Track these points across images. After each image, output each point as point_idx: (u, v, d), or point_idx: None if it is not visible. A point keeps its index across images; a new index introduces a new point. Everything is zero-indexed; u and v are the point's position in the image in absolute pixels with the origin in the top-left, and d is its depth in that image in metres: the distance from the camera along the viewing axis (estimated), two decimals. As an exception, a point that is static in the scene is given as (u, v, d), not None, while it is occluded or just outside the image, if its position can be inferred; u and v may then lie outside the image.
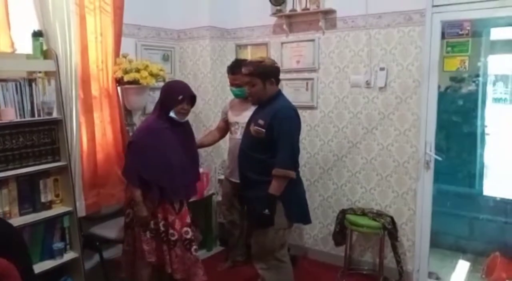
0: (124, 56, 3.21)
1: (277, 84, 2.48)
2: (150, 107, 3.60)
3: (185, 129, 2.70)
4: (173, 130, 2.57)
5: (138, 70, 3.14)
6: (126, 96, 3.28)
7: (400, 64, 3.01)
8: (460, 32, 2.89)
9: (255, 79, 2.40)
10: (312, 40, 3.36)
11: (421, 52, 2.93)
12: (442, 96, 3.09)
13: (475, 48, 3.55)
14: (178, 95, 2.51)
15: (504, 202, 4.01)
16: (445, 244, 3.79)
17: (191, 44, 3.78)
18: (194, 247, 2.59)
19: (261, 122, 2.38)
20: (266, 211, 2.31)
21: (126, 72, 3.11)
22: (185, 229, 2.56)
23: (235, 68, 3.07)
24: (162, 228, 2.54)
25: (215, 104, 3.76)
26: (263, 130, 2.36)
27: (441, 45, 2.90)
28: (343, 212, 3.22)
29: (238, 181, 3.11)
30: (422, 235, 3.09)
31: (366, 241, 3.30)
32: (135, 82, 3.13)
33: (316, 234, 3.54)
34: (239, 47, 3.81)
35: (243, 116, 3.04)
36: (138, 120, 3.51)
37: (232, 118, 3.17)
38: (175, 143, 2.58)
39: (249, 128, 2.49)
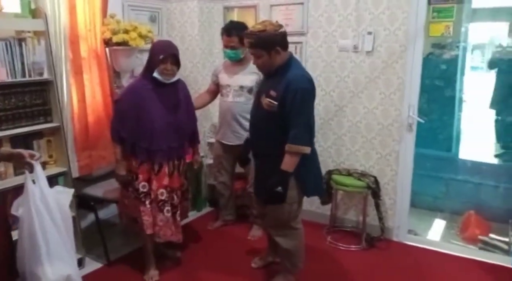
0: (112, 17, 3.17)
1: (285, 49, 2.27)
2: (139, 70, 3.60)
3: (174, 90, 2.65)
4: (158, 91, 2.54)
5: (126, 31, 3.11)
6: (115, 57, 3.25)
7: (387, 28, 3.07)
8: (446, -2, 2.96)
9: (259, 50, 2.22)
10: (301, 3, 3.36)
11: (408, 17, 2.99)
12: (424, 62, 3.19)
13: (459, 15, 3.63)
14: (159, 55, 2.47)
15: (479, 164, 4.24)
16: (423, 204, 3.99)
17: (179, 6, 3.73)
18: (167, 208, 2.62)
19: (273, 93, 2.21)
20: (279, 188, 2.21)
21: (114, 33, 3.08)
22: (160, 190, 2.59)
23: (231, 30, 3.04)
24: (141, 189, 2.57)
25: (203, 67, 3.76)
26: (275, 103, 2.20)
27: (428, 10, 2.97)
28: (329, 173, 3.35)
29: (229, 143, 3.20)
30: (403, 194, 3.26)
31: (350, 200, 3.46)
32: (123, 43, 3.11)
33: (302, 195, 3.67)
34: (227, 9, 3.78)
35: (235, 79, 3.08)
36: (126, 82, 3.49)
37: (224, 80, 3.19)
38: (158, 104, 2.54)
39: (259, 99, 2.32)
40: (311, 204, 3.61)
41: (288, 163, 2.20)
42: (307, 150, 2.20)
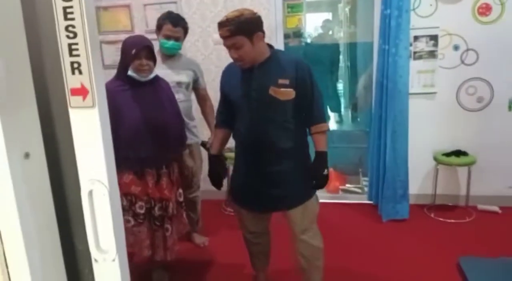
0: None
1: (264, 36, 2.05)
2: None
3: (154, 90, 2.34)
4: (135, 92, 2.26)
5: None
6: None
7: (253, 23, 3.62)
8: (295, -5, 3.64)
9: (240, 38, 1.94)
10: (175, 2, 3.67)
11: (268, 13, 3.57)
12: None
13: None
14: (131, 50, 2.19)
15: (330, 132, 5.20)
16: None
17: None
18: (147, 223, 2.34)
19: (284, 81, 2.02)
20: (326, 171, 2.12)
21: None
22: (140, 203, 2.32)
23: (178, 20, 2.81)
24: (125, 202, 2.26)
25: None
26: (292, 89, 2.03)
27: (284, 7, 3.61)
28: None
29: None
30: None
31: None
32: None
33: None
34: (99, 9, 3.85)
35: (170, 75, 2.77)
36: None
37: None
38: (135, 106, 2.24)
39: (266, 93, 2.04)
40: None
41: (325, 142, 2.13)
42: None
